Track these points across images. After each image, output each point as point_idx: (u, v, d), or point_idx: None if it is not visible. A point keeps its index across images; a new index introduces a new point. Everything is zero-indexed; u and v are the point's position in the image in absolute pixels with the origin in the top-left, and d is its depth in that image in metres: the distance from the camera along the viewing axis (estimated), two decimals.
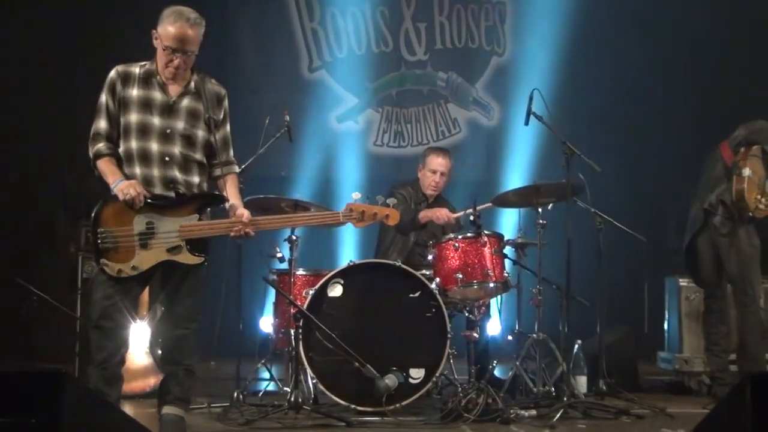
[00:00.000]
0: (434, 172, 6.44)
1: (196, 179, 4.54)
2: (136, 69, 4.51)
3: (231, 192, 4.61)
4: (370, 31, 9.38)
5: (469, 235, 5.74)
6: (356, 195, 4.66)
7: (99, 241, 4.36)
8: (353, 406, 5.29)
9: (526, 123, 5.81)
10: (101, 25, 8.40)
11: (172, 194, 4.45)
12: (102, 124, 4.49)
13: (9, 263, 7.27)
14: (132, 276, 4.39)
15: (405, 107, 9.42)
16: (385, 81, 9.40)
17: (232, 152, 4.69)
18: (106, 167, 4.46)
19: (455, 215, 6.25)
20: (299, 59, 9.30)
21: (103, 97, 4.49)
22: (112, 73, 4.50)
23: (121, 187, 4.34)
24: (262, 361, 5.94)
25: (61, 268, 6.80)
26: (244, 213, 4.49)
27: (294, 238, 5.65)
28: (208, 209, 4.54)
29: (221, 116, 4.60)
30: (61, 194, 7.95)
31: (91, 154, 4.49)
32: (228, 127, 4.65)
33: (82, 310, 6.09)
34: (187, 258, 4.41)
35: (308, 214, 4.96)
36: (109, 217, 4.38)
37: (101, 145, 4.47)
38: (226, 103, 4.64)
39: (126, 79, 4.49)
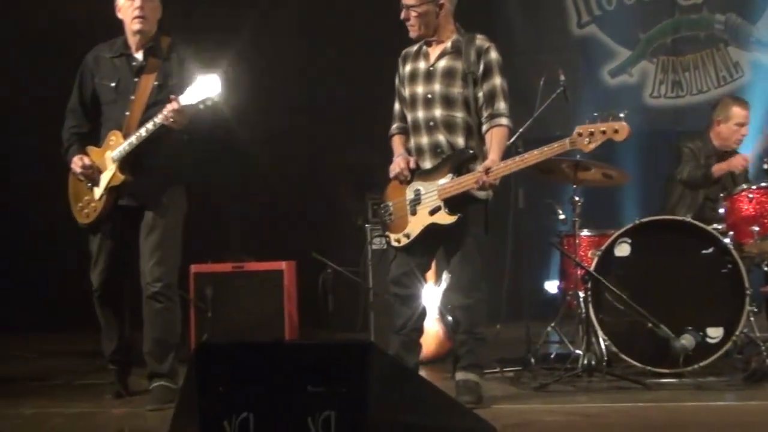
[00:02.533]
0: (741, 125, 6.13)
1: (460, 140, 4.59)
2: (414, 48, 4.72)
3: (490, 145, 4.57)
4: None
5: (764, 184, 5.41)
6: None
7: (383, 216, 4.69)
8: (649, 367, 5.14)
9: None
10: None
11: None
12: (396, 105, 4.83)
13: (304, 238, 7.65)
14: (415, 243, 4.54)
15: (681, 55, 8.96)
16: (659, 30, 9.00)
17: (501, 105, 4.59)
18: (393, 145, 4.80)
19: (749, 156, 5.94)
20: (567, 16, 9.09)
21: (396, 81, 4.80)
22: (400, 59, 4.79)
23: (392, 165, 4.64)
24: (552, 324, 5.91)
25: (351, 241, 7.06)
26: (486, 164, 4.45)
27: (576, 199, 5.57)
28: (471, 165, 4.54)
29: (481, 69, 4.57)
30: (346, 168, 8.27)
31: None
32: (496, 80, 4.58)
33: (374, 280, 6.30)
34: (444, 218, 4.51)
35: (539, 150, 4.74)
36: (390, 192, 4.73)
37: (393, 126, 4.82)
38: (491, 55, 4.59)
39: (405, 59, 4.77)
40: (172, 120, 4.59)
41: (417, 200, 4.57)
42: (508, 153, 5.17)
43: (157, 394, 4.75)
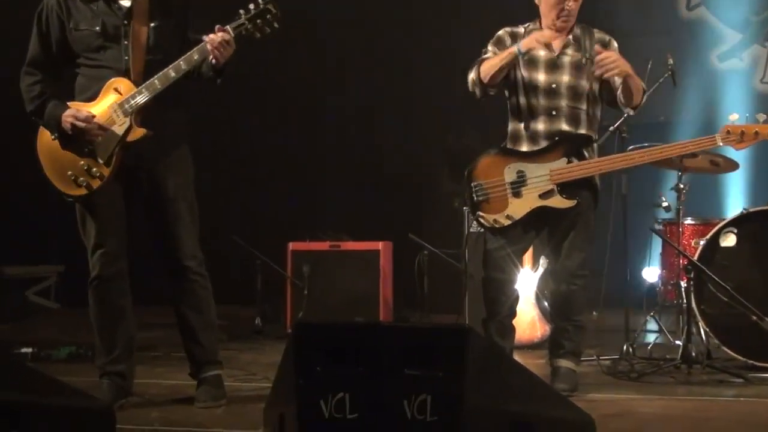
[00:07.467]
0: None
1: (583, 131, 4.51)
2: (521, 29, 4.61)
3: None
4: None
5: None
6: (733, 116, 4.40)
7: (473, 195, 4.49)
8: (751, 361, 5.01)
9: None
10: None
11: None
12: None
13: (402, 219, 7.66)
14: (515, 226, 4.47)
15: None
16: None
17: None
18: (493, 58, 4.52)
19: None
20: None
21: (493, 48, 4.58)
22: (500, 32, 4.62)
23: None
24: (651, 313, 5.79)
25: (448, 223, 7.05)
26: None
27: (681, 186, 5.45)
28: (584, 151, 4.48)
29: None
30: (444, 152, 8.25)
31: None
32: None
33: (470, 263, 6.27)
34: (559, 202, 4.41)
35: (682, 143, 4.68)
36: (480, 171, 4.53)
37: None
38: (614, 46, 4.57)
39: (514, 37, 4.59)
40: (218, 53, 3.89)
41: (521, 182, 4.45)
42: (611, 140, 5.13)
43: (214, 384, 4.25)
